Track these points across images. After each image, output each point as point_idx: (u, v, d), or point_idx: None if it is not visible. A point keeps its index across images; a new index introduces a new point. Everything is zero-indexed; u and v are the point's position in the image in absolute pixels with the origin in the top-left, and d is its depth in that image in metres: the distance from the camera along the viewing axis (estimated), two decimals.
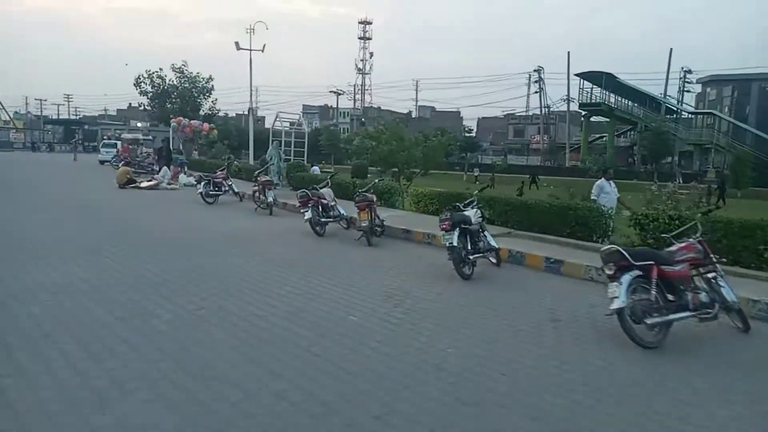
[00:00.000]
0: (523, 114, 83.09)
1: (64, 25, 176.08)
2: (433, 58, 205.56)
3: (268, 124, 30.85)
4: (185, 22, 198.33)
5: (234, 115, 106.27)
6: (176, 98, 32.69)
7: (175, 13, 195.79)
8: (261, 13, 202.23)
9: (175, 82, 32.56)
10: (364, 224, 9.63)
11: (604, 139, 67.72)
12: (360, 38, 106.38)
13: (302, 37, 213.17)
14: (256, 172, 15.15)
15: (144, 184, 19.52)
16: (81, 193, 18.10)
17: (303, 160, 20.01)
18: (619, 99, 53.74)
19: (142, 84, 32.32)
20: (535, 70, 66.04)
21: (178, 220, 12.43)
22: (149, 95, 32.30)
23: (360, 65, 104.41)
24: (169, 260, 7.88)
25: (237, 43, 25.44)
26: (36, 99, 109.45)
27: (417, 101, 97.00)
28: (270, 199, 13.62)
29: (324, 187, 11.58)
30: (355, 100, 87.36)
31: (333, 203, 11.15)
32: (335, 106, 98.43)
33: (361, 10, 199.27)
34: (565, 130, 75.37)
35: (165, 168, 20.73)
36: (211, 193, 15.71)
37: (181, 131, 26.20)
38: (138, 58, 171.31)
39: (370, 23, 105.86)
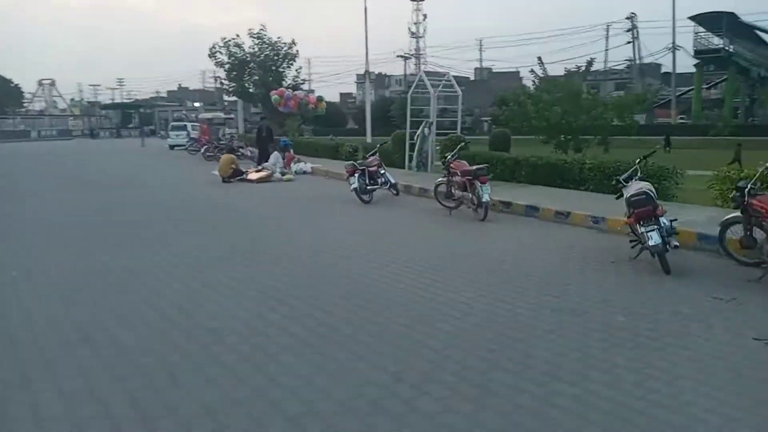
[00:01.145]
0: (600, 69, 75.49)
1: (109, 11, 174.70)
2: (490, 17, 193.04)
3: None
4: None
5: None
6: (255, 68, 28.23)
7: None
8: None
9: (254, 50, 28.04)
10: None
11: (690, 93, 59.06)
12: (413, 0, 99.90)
13: (342, 6, 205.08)
14: (449, 156, 10.38)
15: (253, 176, 15.22)
16: (188, 190, 14.06)
17: (458, 133, 15.16)
18: (741, 44, 46.26)
19: (218, 54, 27.89)
20: (627, 18, 58.61)
21: (374, 239, 7.92)
22: (226, 67, 27.89)
23: (414, 29, 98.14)
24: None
25: None
26: (90, 85, 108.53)
27: (481, 61, 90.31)
28: (485, 198, 8.89)
29: (634, 177, 6.75)
30: (419, 65, 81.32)
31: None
32: (390, 74, 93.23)
33: None
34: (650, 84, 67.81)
35: (276, 154, 16.29)
36: (367, 188, 11.19)
37: (284, 104, 21.80)
38: (180, 39, 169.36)
39: None
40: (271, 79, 27.66)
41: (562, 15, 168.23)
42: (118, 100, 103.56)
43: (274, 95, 22.18)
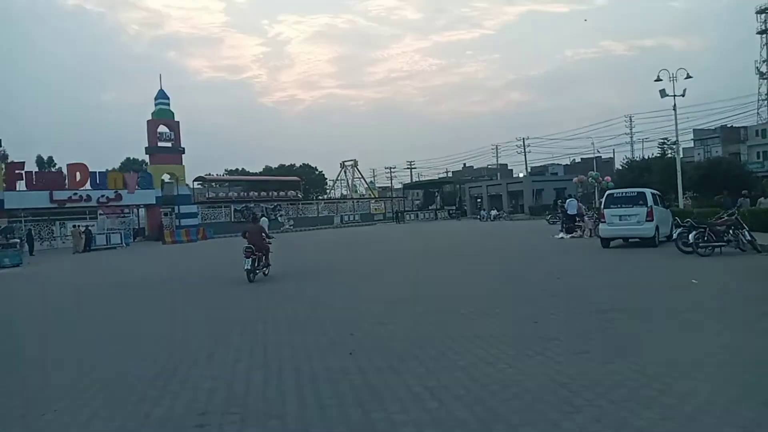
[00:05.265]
0: None
1: (389, 108, 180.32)
2: None
3: None
4: (490, 86, 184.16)
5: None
6: None
7: (480, 78, 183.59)
8: (562, 65, 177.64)
9: None
10: None
11: None
12: (760, 33, 71.11)
13: (608, 77, 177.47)
14: None
15: None
16: None
17: None
18: None
19: None
20: None
21: None
22: None
23: (763, 68, 69.27)
24: None
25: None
26: (386, 167, 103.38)
27: None
28: None
29: None
30: None
31: None
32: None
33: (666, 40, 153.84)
34: None
35: None
36: None
37: None
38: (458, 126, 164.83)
39: None
40: None
41: None
42: (408, 182, 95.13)
43: None
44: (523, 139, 69.56)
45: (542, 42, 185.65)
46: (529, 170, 73.57)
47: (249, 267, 12.88)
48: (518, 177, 67.30)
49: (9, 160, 44.81)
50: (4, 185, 34.93)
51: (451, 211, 63.87)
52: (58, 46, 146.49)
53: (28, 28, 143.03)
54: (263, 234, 13.97)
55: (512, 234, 27.13)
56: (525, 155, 70.88)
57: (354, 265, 16.18)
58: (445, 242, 24.06)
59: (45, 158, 72.45)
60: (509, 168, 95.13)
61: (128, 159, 79.94)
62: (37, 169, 48.57)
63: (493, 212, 50.76)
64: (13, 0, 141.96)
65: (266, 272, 13.81)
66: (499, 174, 78.81)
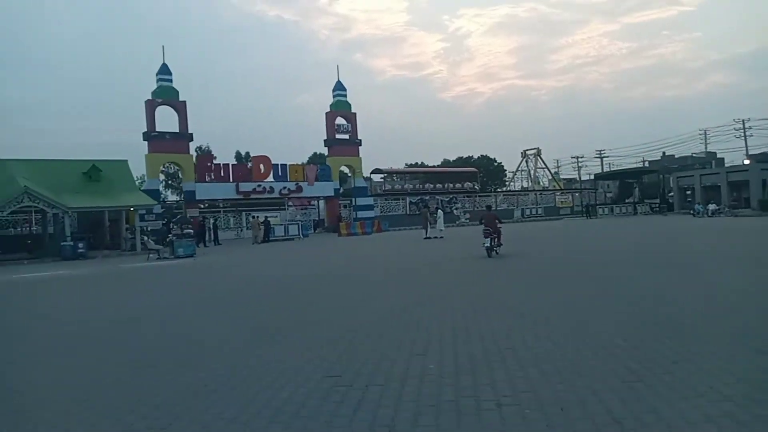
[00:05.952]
0: None
1: (573, 96, 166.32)
2: None
3: None
4: (690, 68, 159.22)
5: None
6: None
7: (679, 60, 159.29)
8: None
9: None
10: None
11: None
12: None
13: None
14: None
15: None
16: None
17: None
18: None
19: None
20: None
21: None
22: None
23: None
24: None
25: None
26: (572, 157, 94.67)
27: None
28: None
29: None
30: None
31: None
32: None
33: None
34: None
35: None
36: None
37: None
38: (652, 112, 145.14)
39: None
40: None
41: None
42: (599, 172, 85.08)
43: None
44: (743, 121, 57.61)
45: (752, 15, 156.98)
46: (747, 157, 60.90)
47: (488, 245, 15.93)
48: (742, 165, 55.55)
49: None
50: (196, 176, 37.05)
51: (653, 205, 55.06)
52: (262, 52, 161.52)
53: (238, 40, 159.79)
54: (497, 220, 16.75)
55: (758, 236, 20.58)
56: (745, 140, 58.74)
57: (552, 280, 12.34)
58: (669, 246, 18.67)
59: (243, 153, 79.00)
60: (719, 156, 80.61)
61: (314, 154, 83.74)
62: (235, 162, 51.76)
63: (711, 206, 41.93)
64: (227, 16, 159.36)
65: (498, 251, 16.30)
66: (713, 162, 66.52)
